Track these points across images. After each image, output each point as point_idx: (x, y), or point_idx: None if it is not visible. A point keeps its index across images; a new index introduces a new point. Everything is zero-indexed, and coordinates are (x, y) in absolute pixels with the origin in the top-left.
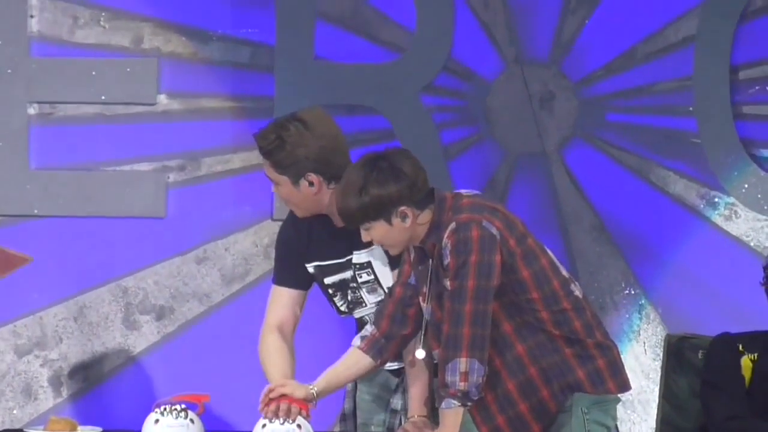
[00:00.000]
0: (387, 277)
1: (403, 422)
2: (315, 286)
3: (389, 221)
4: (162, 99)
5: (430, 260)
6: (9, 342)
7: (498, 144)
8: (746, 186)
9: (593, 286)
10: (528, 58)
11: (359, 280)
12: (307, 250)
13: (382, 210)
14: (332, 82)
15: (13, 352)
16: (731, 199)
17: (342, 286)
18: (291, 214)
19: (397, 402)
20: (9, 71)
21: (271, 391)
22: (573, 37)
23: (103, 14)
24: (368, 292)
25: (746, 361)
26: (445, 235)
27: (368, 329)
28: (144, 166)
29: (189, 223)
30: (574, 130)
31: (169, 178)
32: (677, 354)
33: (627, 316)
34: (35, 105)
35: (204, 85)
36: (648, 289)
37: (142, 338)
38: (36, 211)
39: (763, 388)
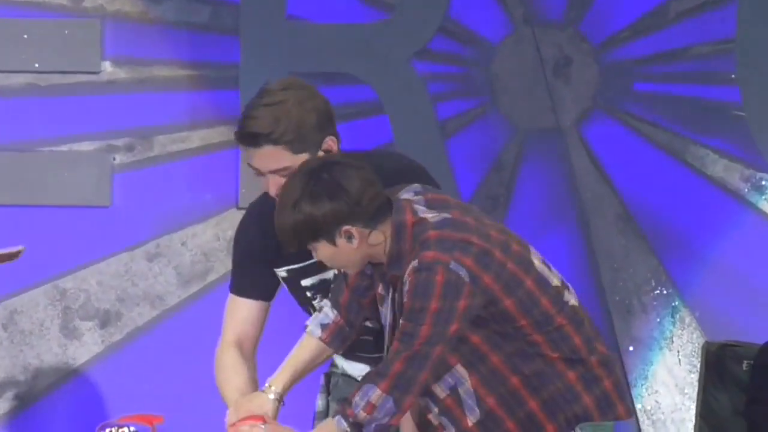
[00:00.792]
0: None
1: None
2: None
3: (332, 242)
4: (107, 66)
5: (391, 290)
6: None
7: (505, 118)
8: None
9: (618, 285)
10: (540, 17)
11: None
12: (277, 254)
13: (318, 230)
14: (308, 45)
15: None
16: None
17: (322, 288)
18: (254, 209)
19: None
20: None
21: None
22: None
23: None
24: None
25: None
26: (407, 272)
27: (329, 315)
28: (85, 146)
29: (138, 213)
30: (594, 101)
31: (114, 159)
32: (717, 365)
33: (658, 320)
34: None
35: (156, 50)
36: (682, 288)
37: (84, 349)
38: None
39: None
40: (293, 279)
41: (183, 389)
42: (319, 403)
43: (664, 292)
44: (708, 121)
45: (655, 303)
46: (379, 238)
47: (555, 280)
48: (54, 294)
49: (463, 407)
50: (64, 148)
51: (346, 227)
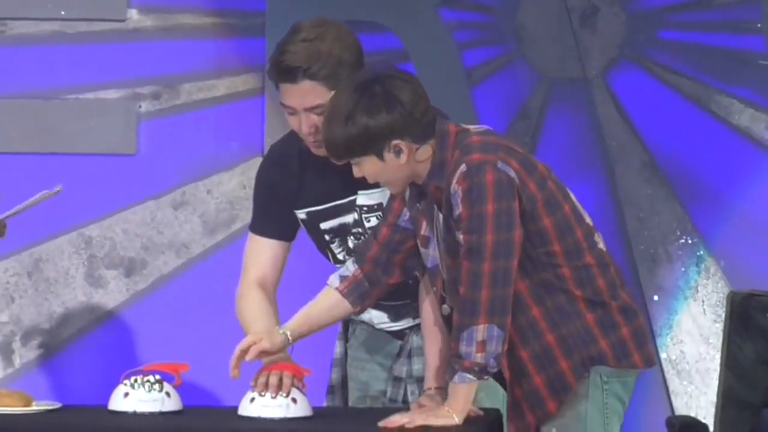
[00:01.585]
0: None
1: (409, 392)
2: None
3: (381, 156)
4: (133, 14)
5: (435, 207)
6: None
7: (531, 67)
8: None
9: (643, 234)
10: None
11: (366, 225)
12: (297, 195)
13: (370, 143)
14: None
15: None
16: None
17: (341, 232)
18: (275, 150)
19: (401, 369)
20: None
21: (244, 352)
22: None
23: None
24: None
25: None
26: (454, 180)
27: (350, 268)
28: (111, 94)
29: (164, 161)
30: (620, 50)
31: (140, 107)
32: (742, 315)
33: (683, 269)
34: None
35: None
36: (708, 238)
37: (109, 297)
38: None
39: None
40: (312, 221)
41: (208, 337)
42: (338, 350)
43: (690, 241)
44: (734, 70)
45: (680, 252)
46: (426, 153)
47: (588, 219)
48: (79, 242)
49: None
50: (90, 96)
51: (396, 141)
